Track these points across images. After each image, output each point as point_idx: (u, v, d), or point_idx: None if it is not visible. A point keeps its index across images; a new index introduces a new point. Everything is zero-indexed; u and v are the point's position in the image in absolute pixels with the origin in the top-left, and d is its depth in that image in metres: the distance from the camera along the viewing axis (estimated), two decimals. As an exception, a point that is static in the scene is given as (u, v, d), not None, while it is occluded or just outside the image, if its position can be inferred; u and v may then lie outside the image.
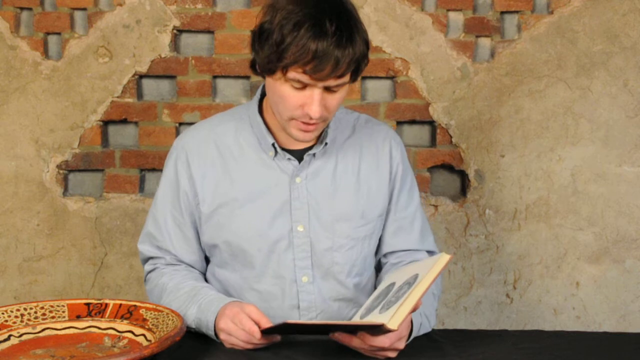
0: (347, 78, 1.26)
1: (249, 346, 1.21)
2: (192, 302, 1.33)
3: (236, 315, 1.21)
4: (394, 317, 1.08)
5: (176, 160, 1.44)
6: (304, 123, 1.29)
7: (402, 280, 1.20)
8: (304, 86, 1.24)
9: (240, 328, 1.20)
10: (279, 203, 1.39)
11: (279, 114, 1.32)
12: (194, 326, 1.31)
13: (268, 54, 1.23)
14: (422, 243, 1.49)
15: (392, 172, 1.47)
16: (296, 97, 1.25)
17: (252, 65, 1.34)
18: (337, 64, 1.19)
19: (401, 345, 1.16)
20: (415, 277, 1.16)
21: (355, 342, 1.15)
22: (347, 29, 1.20)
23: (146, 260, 1.51)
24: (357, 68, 1.27)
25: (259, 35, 1.25)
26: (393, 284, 1.23)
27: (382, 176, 1.46)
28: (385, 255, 1.49)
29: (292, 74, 1.22)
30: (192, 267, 1.48)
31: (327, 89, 1.25)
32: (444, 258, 1.16)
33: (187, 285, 1.38)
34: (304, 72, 1.20)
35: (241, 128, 1.43)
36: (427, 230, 1.52)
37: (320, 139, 1.42)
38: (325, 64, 1.19)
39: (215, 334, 1.26)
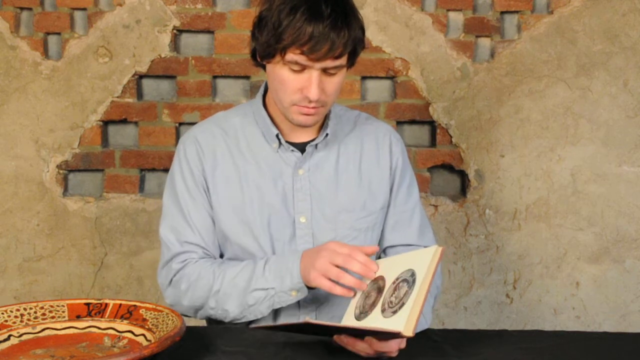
0: (344, 60, 1.30)
1: (363, 269, 1.20)
2: (257, 266, 1.33)
3: (330, 250, 1.22)
4: (407, 324, 1.07)
5: (186, 151, 1.44)
6: (305, 107, 1.32)
7: (394, 275, 1.16)
8: (302, 69, 1.28)
9: (347, 255, 1.20)
10: (282, 195, 1.40)
11: (279, 102, 1.35)
12: (268, 286, 1.31)
13: (267, 39, 1.28)
14: (420, 238, 1.49)
15: (392, 167, 1.49)
16: (295, 80, 1.30)
17: (253, 55, 1.38)
18: (333, 45, 1.24)
19: (404, 344, 1.16)
20: (411, 272, 1.14)
21: (359, 345, 1.14)
22: (342, 12, 1.26)
23: (172, 256, 1.43)
24: (353, 51, 1.31)
25: (259, 23, 1.31)
26: (381, 277, 1.20)
27: (383, 170, 1.48)
28: (384, 250, 1.50)
29: (290, 55, 1.27)
30: None
31: (325, 72, 1.29)
32: (437, 252, 1.14)
33: (241, 262, 1.37)
34: (302, 53, 1.25)
35: (246, 123, 1.46)
36: (427, 226, 1.53)
37: (321, 130, 1.44)
38: (322, 45, 1.24)
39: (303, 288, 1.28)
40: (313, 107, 1.32)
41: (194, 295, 1.38)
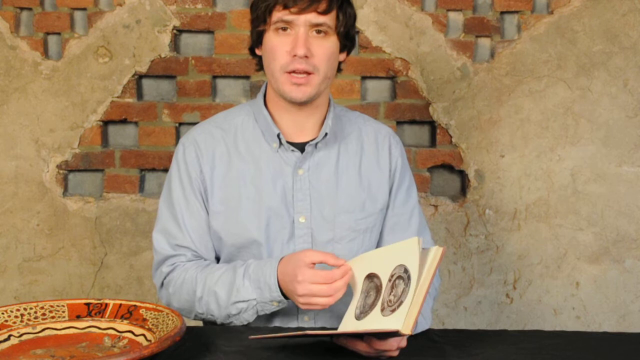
0: (330, 20, 1.34)
1: (332, 300, 1.21)
2: (237, 275, 1.32)
3: (304, 274, 1.22)
4: (406, 322, 1.07)
5: (185, 154, 1.45)
6: (294, 73, 1.34)
7: (387, 272, 1.16)
8: (289, 27, 1.33)
9: (321, 284, 1.20)
10: (282, 194, 1.40)
11: (272, 76, 1.38)
12: (249, 297, 1.31)
13: (256, 8, 1.36)
14: None
15: (391, 169, 1.49)
16: (283, 42, 1.34)
17: (251, 48, 1.44)
18: None
19: (404, 343, 1.16)
20: (404, 269, 1.13)
21: (360, 346, 1.14)
22: None
23: (163, 259, 1.44)
24: (346, 33, 1.37)
25: (251, 7, 1.40)
26: (375, 275, 1.20)
27: (382, 172, 1.48)
28: None
29: (275, 15, 1.33)
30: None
31: (313, 31, 1.34)
32: (438, 252, 1.14)
33: (222, 266, 1.38)
34: (285, 8, 1.31)
35: (246, 122, 1.46)
36: (425, 228, 1.53)
37: (320, 130, 1.44)
38: None
39: (284, 296, 1.29)
40: (303, 73, 1.34)
41: (180, 299, 1.40)
